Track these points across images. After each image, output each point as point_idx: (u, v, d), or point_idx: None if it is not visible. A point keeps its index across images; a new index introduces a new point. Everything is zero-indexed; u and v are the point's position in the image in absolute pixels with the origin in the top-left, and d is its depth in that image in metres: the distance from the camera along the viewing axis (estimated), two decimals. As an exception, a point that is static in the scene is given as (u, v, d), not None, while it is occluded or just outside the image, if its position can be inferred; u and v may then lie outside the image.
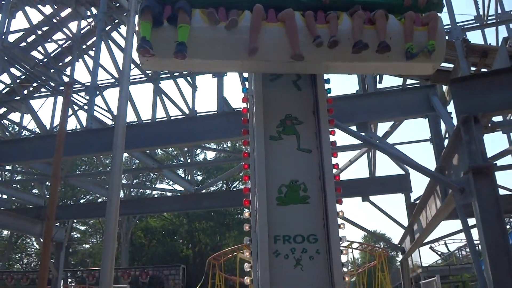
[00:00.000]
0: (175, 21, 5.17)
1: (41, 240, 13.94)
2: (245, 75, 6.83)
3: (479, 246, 7.92)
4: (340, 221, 5.74)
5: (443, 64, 14.40)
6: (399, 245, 17.64)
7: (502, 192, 14.09)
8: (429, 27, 5.40)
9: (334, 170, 5.86)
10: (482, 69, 12.82)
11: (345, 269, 5.71)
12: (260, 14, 5.23)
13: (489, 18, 14.70)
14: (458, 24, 12.55)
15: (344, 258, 5.68)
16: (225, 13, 5.30)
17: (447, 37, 12.68)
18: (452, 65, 13.94)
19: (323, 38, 5.18)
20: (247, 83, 6.49)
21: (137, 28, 5.29)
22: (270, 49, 5.31)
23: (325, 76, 6.40)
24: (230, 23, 5.13)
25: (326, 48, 5.22)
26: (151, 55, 5.06)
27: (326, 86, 6.41)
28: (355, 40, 5.19)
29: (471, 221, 8.32)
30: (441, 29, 5.52)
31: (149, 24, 5.09)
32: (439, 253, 41.61)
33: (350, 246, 25.21)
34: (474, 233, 8.24)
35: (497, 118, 14.42)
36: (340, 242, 5.64)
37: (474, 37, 70.76)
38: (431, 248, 40.48)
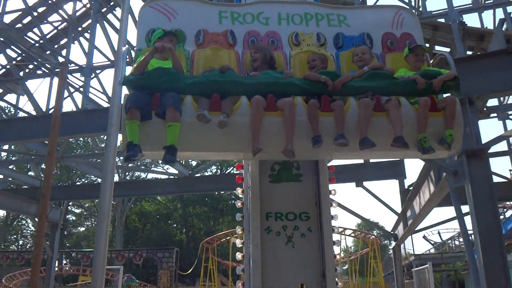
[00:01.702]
0: (163, 115, 4.59)
1: (36, 220, 13.98)
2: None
3: (472, 236, 7.97)
4: (331, 199, 5.77)
5: (440, 48, 14.41)
6: (392, 232, 17.74)
7: (496, 179, 14.13)
8: (446, 114, 4.80)
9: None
10: (478, 53, 12.83)
11: (336, 249, 5.74)
12: (261, 107, 4.70)
13: (486, 2, 14.64)
14: (455, 8, 12.50)
15: (335, 237, 5.72)
16: (218, 100, 4.73)
17: (443, 20, 12.69)
18: (448, 49, 13.96)
19: (327, 128, 4.69)
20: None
21: (120, 137, 4.76)
22: (269, 140, 4.76)
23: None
24: (220, 124, 4.55)
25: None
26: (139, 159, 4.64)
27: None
28: (362, 136, 4.65)
29: (465, 209, 8.38)
30: (459, 114, 4.88)
31: (136, 124, 4.54)
32: (432, 242, 41.81)
33: (343, 233, 25.31)
34: (468, 222, 8.29)
35: (493, 103, 14.47)
36: (332, 220, 5.68)
37: (472, 21, 70.58)
38: (424, 237, 40.71)
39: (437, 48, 14.25)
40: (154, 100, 4.68)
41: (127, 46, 6.31)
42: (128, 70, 5.28)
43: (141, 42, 5.52)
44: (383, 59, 5.59)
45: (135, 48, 5.57)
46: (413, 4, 16.26)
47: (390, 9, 6.12)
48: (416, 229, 15.88)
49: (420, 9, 14.20)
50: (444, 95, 5.13)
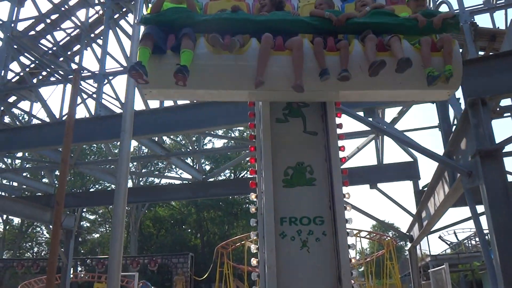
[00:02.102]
0: (179, 50, 4.81)
1: (51, 227, 14.06)
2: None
3: (488, 235, 7.91)
4: (346, 203, 5.75)
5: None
6: (407, 233, 17.64)
7: (511, 178, 14.00)
8: (444, 52, 5.05)
9: (341, 153, 5.85)
10: (491, 53, 12.75)
11: (352, 252, 5.71)
12: (269, 44, 4.95)
13: (498, 2, 14.56)
14: (466, 9, 12.44)
15: (350, 240, 5.69)
16: (230, 39, 4.90)
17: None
18: (460, 50, 13.87)
19: (333, 66, 4.92)
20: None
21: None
22: (277, 78, 5.02)
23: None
24: (231, 45, 4.80)
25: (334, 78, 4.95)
26: (145, 81, 4.72)
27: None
28: (370, 61, 4.83)
29: (480, 209, 8.31)
30: (457, 52, 5.11)
31: (147, 50, 4.75)
32: (448, 242, 41.52)
33: (359, 235, 25.20)
34: (484, 221, 8.21)
35: (506, 102, 14.35)
36: (347, 224, 5.65)
37: (483, 22, 70.23)
38: (440, 237, 40.44)
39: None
40: (170, 39, 4.93)
41: None
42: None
43: None
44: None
45: None
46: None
47: None
48: (431, 230, 15.78)
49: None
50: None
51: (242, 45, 4.99)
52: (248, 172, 44.48)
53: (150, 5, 5.28)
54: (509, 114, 14.85)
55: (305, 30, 5.18)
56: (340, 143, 5.90)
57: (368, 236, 27.17)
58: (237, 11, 5.16)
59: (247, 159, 22.44)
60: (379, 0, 5.83)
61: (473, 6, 13.66)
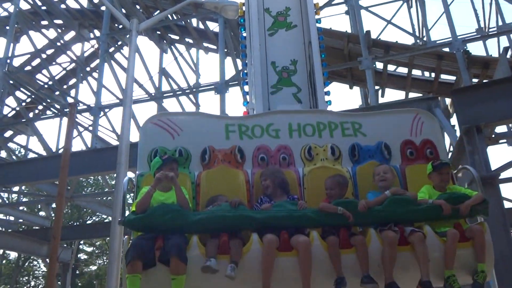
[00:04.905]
0: (168, 262, 4.22)
1: (48, 261, 13.96)
2: (246, 89, 6.84)
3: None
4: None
5: (445, 77, 14.45)
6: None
7: (508, 205, 13.96)
8: (475, 246, 4.41)
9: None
10: (484, 81, 12.86)
11: None
12: (273, 249, 4.32)
13: (490, 30, 14.73)
14: (459, 37, 12.56)
15: None
16: (228, 242, 4.36)
17: (447, 49, 12.73)
18: (454, 77, 13.98)
19: (347, 266, 4.35)
20: (248, 97, 6.49)
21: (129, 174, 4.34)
22: (284, 283, 4.40)
23: (325, 89, 6.40)
24: (227, 277, 4.15)
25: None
26: None
27: (327, 98, 6.37)
28: (387, 282, 4.28)
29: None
30: (489, 244, 4.47)
31: (138, 278, 4.16)
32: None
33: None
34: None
35: (502, 129, 14.39)
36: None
37: (476, 49, 70.85)
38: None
39: (443, 76, 14.31)
40: (158, 245, 4.31)
41: (127, 177, 6.04)
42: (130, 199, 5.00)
43: (142, 165, 5.22)
44: (403, 172, 5.28)
45: (136, 173, 5.22)
46: (417, 34, 16.39)
47: (408, 114, 5.78)
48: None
49: (425, 38, 14.30)
50: (471, 223, 4.87)
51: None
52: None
53: (136, 199, 4.74)
54: (504, 140, 14.89)
55: (314, 225, 4.58)
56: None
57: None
58: (237, 206, 4.54)
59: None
60: (394, 167, 5.26)
61: (466, 34, 13.82)
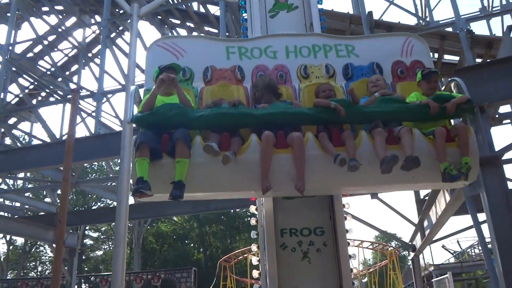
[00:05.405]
0: (174, 151, 4.51)
1: (54, 246, 14.03)
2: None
3: (491, 244, 7.89)
4: (345, 213, 5.76)
5: (449, 57, 14.39)
6: (410, 243, 17.59)
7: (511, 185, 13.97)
8: (459, 142, 4.67)
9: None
10: (488, 61, 12.79)
11: (354, 263, 5.71)
12: (270, 144, 4.57)
13: (494, 9, 14.63)
14: (462, 16, 12.49)
15: (352, 250, 5.69)
16: (228, 139, 4.63)
17: (450, 29, 12.67)
18: (457, 58, 13.92)
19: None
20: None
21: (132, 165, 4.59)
22: (282, 179, 4.66)
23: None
24: (224, 159, 4.41)
25: (343, 173, 4.55)
26: (150, 195, 4.46)
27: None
28: (380, 158, 4.47)
29: (482, 217, 8.29)
30: (473, 142, 4.78)
31: (146, 161, 4.44)
32: (452, 251, 41.30)
33: (361, 245, 25.09)
34: (486, 230, 8.19)
35: (505, 109, 14.35)
36: (347, 234, 5.67)
37: (480, 29, 70.34)
38: (443, 247, 40.22)
39: (446, 57, 14.24)
40: (164, 141, 4.61)
41: (135, 86, 6.26)
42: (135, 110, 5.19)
43: (149, 82, 5.48)
44: (394, 88, 5.53)
45: (143, 88, 5.51)
46: (420, 14, 16.31)
47: (399, 37, 6.10)
48: (434, 239, 15.73)
49: (427, 19, 14.23)
50: (454, 123, 5.16)
51: (238, 150, 4.64)
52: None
53: (142, 102, 5.00)
54: (508, 121, 14.87)
55: (309, 122, 4.91)
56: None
57: (370, 247, 27.03)
58: (236, 105, 4.85)
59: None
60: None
61: (469, 13, 13.73)
